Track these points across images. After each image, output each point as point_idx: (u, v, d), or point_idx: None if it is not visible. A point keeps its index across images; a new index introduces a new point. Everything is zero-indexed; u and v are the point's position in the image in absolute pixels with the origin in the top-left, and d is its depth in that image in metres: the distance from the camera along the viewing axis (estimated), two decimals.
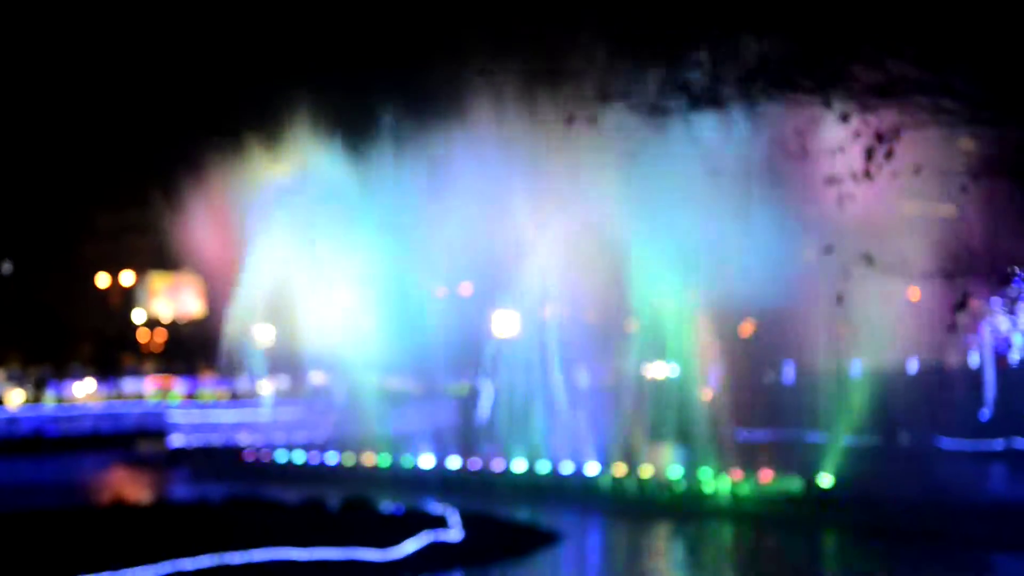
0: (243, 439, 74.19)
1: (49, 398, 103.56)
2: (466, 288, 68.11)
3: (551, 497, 53.97)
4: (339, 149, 75.97)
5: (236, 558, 35.20)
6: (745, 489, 49.76)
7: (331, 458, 65.20)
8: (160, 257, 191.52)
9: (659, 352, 60.05)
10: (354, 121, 75.85)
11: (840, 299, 22.10)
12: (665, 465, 53.55)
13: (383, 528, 40.30)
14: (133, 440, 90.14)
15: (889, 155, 17.20)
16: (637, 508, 50.82)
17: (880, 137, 17.80)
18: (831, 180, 19.27)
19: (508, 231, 61.23)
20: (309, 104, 78.07)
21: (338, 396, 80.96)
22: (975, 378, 74.58)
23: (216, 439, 74.50)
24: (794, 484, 49.00)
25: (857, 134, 18.48)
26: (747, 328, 58.36)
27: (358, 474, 61.86)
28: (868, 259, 20.98)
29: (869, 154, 17.09)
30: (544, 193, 58.83)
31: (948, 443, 68.74)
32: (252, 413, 78.31)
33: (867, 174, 17.24)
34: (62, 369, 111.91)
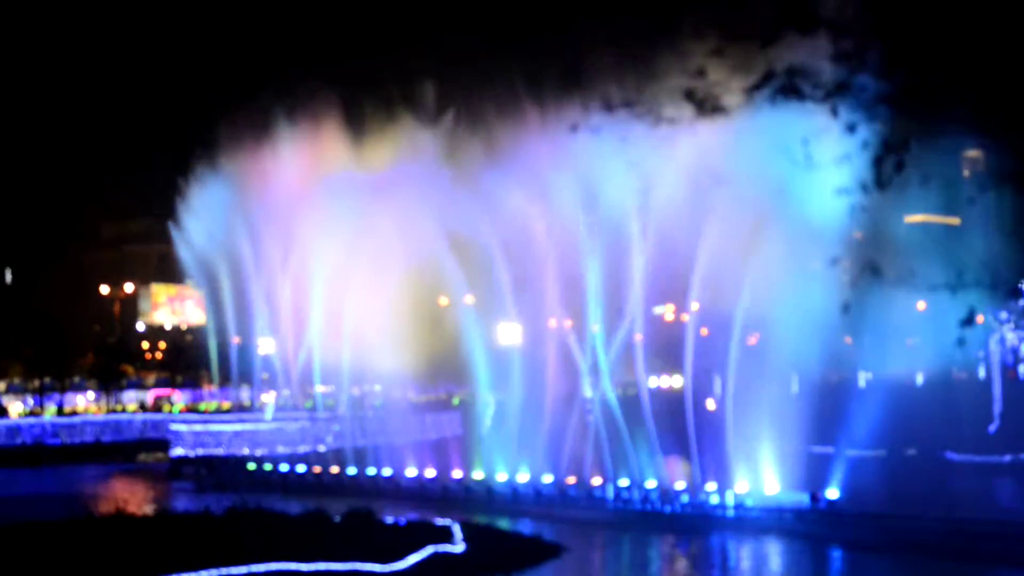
0: (245, 450, 73.87)
1: (50, 409, 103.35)
2: (470, 299, 67.85)
3: (555, 509, 53.64)
4: (343, 161, 75.96)
5: (239, 570, 34.92)
6: (750, 502, 49.41)
7: (334, 470, 64.93)
8: (163, 267, 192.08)
9: (664, 363, 59.76)
10: (356, 133, 75.90)
11: (846, 309, 21.84)
12: (669, 478, 53.19)
13: (386, 540, 39.99)
14: (135, 451, 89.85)
15: (900, 167, 16.93)
16: (641, 520, 50.49)
17: (888, 147, 17.54)
18: (839, 191, 18.99)
19: (511, 241, 61.09)
20: (312, 119, 78.17)
21: (341, 407, 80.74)
22: (983, 391, 74.18)
23: (218, 450, 74.20)
24: (800, 497, 48.65)
25: (865, 144, 18.21)
26: (753, 339, 57.96)
27: (361, 486, 61.59)
28: (875, 270, 20.71)
29: (879, 164, 16.86)
30: (548, 202, 58.67)
31: (956, 456, 68.32)
32: (254, 424, 77.95)
33: (879, 185, 17.01)
34: (64, 379, 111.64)
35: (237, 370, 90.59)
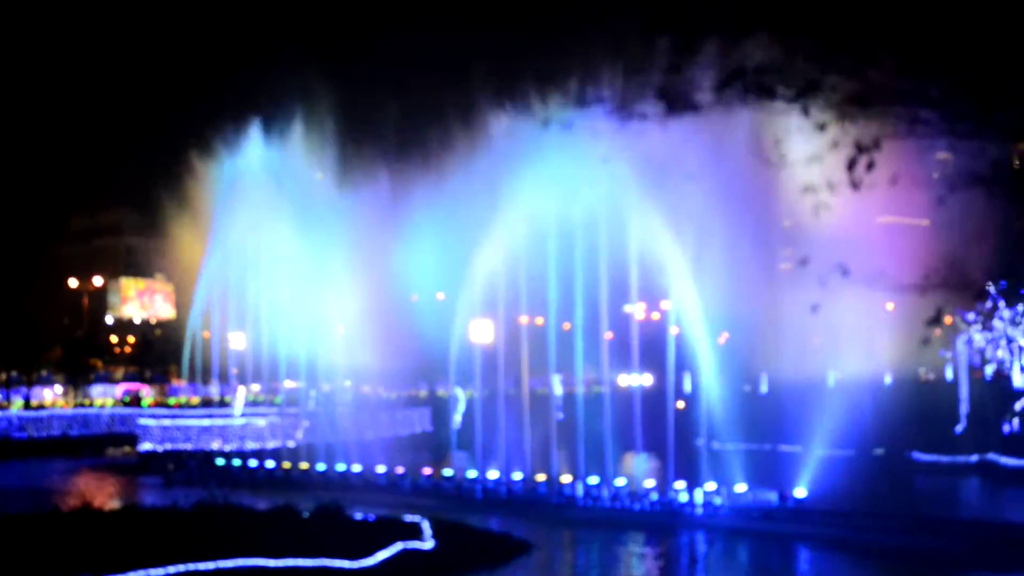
0: (214, 445, 73.59)
1: (17, 402, 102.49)
2: (441, 296, 67.86)
3: (525, 506, 53.67)
4: (316, 158, 75.81)
5: (206, 566, 34.72)
6: (719, 500, 49.58)
7: (303, 465, 64.76)
8: (132, 261, 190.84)
9: (633, 362, 59.89)
10: (329, 131, 75.70)
11: (815, 309, 21.96)
12: (638, 476, 53.31)
13: (355, 536, 39.87)
14: (103, 445, 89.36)
15: (870, 166, 17.02)
16: (611, 519, 50.58)
17: (860, 148, 17.62)
18: (807, 189, 19.08)
19: (483, 239, 61.10)
20: (285, 115, 77.94)
21: (311, 403, 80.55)
22: (950, 392, 74.68)
23: (187, 445, 73.90)
24: (768, 496, 48.85)
25: (835, 143, 18.30)
26: (722, 339, 58.23)
27: (331, 482, 61.44)
28: (843, 270, 20.81)
29: (851, 165, 16.93)
30: (518, 201, 58.72)
31: (923, 456, 68.82)
32: (224, 419, 77.67)
33: (853, 185, 17.09)
34: (31, 373, 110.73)
35: (206, 365, 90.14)
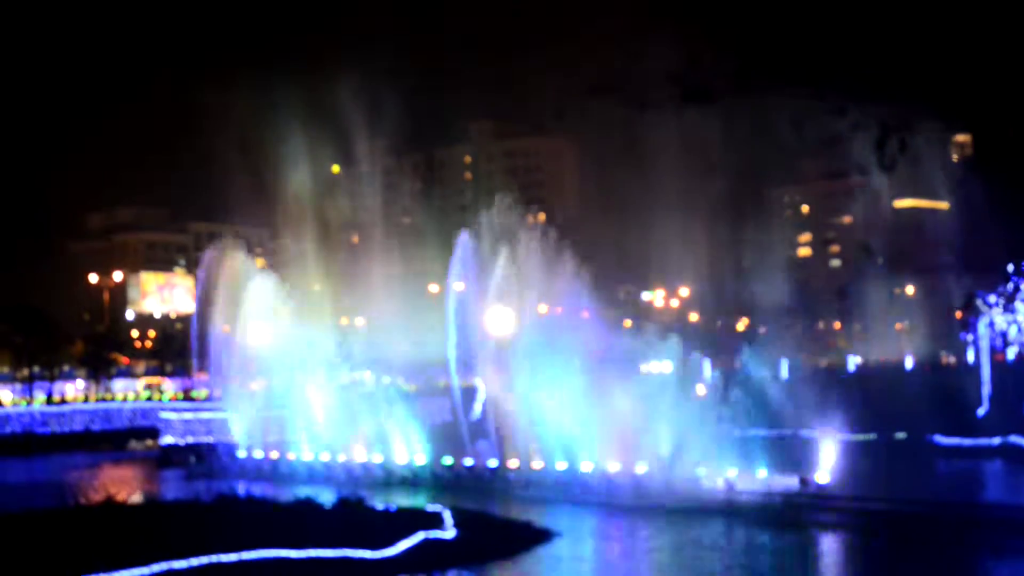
0: (235, 438, 73.75)
1: (40, 397, 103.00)
2: (460, 286, 67.88)
3: (547, 494, 53.64)
4: (331, 147, 75.91)
5: (229, 558, 34.82)
6: (741, 486, 49.43)
7: (324, 457, 64.85)
8: (151, 255, 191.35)
9: (654, 349, 59.76)
10: (342, 121, 75.80)
11: (842, 294, 21.88)
12: (661, 463, 53.19)
13: (377, 526, 39.93)
14: (124, 439, 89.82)
15: (903, 148, 16.87)
16: (632, 505, 50.51)
17: (886, 130, 17.44)
18: (832, 175, 18.92)
19: (500, 227, 61.09)
20: (302, 106, 78.06)
21: (331, 394, 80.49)
22: (972, 375, 74.37)
23: (208, 438, 74.08)
24: (790, 481, 48.70)
25: (856, 126, 18.17)
26: (742, 324, 58.01)
27: (352, 472, 61.53)
28: (867, 250, 20.68)
29: (880, 145, 16.79)
30: (536, 190, 58.65)
31: (945, 439, 68.52)
32: (244, 412, 77.77)
33: (885, 167, 16.97)
34: (53, 368, 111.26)
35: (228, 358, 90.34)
